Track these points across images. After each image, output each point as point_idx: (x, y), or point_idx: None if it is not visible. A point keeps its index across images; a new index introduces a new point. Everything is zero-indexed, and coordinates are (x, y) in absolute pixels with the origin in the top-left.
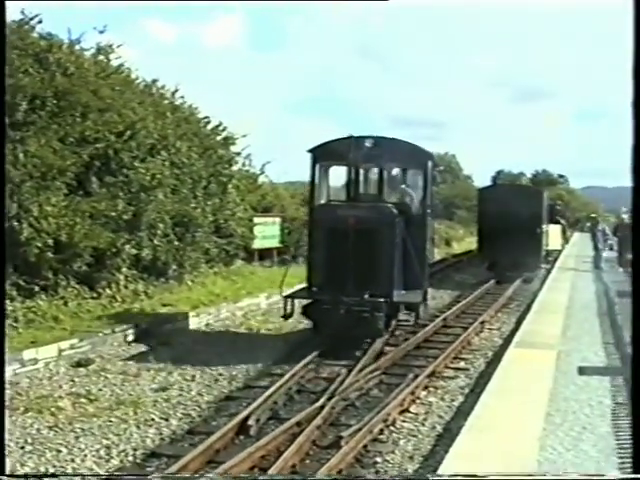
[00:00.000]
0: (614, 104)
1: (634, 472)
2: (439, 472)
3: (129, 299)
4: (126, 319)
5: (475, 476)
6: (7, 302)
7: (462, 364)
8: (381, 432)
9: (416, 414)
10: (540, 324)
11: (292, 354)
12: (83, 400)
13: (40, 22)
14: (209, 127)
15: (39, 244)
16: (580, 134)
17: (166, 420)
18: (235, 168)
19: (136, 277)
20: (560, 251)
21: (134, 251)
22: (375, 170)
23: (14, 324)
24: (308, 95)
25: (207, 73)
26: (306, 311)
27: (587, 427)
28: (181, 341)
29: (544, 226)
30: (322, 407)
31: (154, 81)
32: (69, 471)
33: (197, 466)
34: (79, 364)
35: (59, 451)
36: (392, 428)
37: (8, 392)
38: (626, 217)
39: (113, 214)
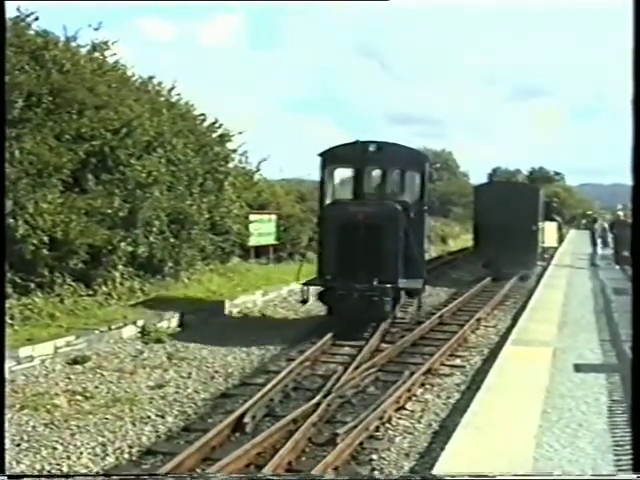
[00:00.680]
0: (611, 102)
1: (634, 471)
2: (435, 470)
3: (125, 296)
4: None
5: (474, 475)
6: None
7: (458, 361)
8: (377, 429)
9: (412, 411)
10: (536, 321)
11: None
12: (79, 397)
13: (36, 19)
14: (205, 124)
15: (35, 241)
16: (577, 132)
17: (162, 417)
18: (231, 165)
19: (132, 274)
20: (556, 248)
21: (130, 248)
22: (378, 171)
23: (10, 321)
24: (305, 93)
25: (204, 71)
26: (322, 297)
27: (583, 424)
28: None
29: (540, 223)
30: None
31: (150, 78)
32: (64, 469)
33: None
34: (75, 361)
35: (55, 448)
36: (388, 425)
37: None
38: (622, 214)
39: (109, 211)
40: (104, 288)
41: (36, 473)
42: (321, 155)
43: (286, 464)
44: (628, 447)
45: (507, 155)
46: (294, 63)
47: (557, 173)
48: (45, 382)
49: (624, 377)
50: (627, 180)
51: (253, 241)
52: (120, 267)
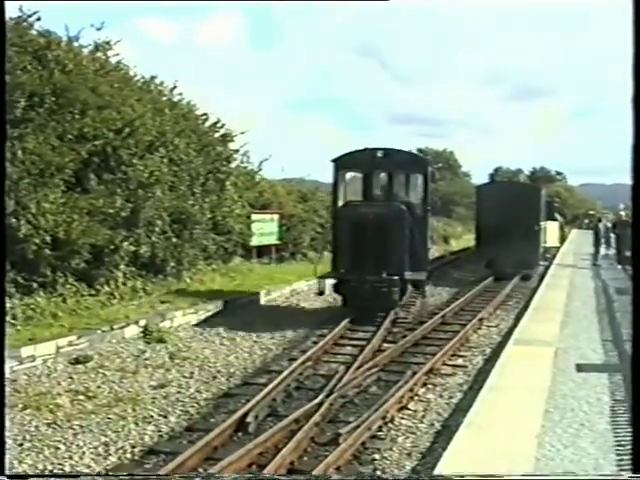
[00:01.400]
0: (612, 102)
1: (634, 472)
2: (438, 470)
3: (127, 296)
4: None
5: (476, 476)
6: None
7: (460, 361)
8: (380, 429)
9: (414, 411)
10: (538, 321)
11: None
12: (81, 397)
13: (38, 19)
14: (207, 124)
15: (37, 241)
16: (578, 131)
17: (164, 417)
18: (233, 165)
19: (134, 274)
20: (558, 248)
21: (132, 248)
22: (385, 175)
23: (12, 321)
24: (306, 93)
25: (205, 71)
26: (337, 289)
27: (585, 424)
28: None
29: (542, 223)
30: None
31: (152, 78)
32: (67, 468)
33: None
34: (77, 361)
35: (57, 448)
36: (390, 425)
37: (6, 389)
38: (624, 214)
39: (111, 211)
40: (106, 288)
41: (38, 473)
42: (334, 161)
43: None
44: (630, 447)
45: (509, 155)
46: (295, 63)
47: (559, 173)
48: (47, 382)
49: (626, 377)
50: (629, 180)
51: (255, 241)
52: (122, 267)
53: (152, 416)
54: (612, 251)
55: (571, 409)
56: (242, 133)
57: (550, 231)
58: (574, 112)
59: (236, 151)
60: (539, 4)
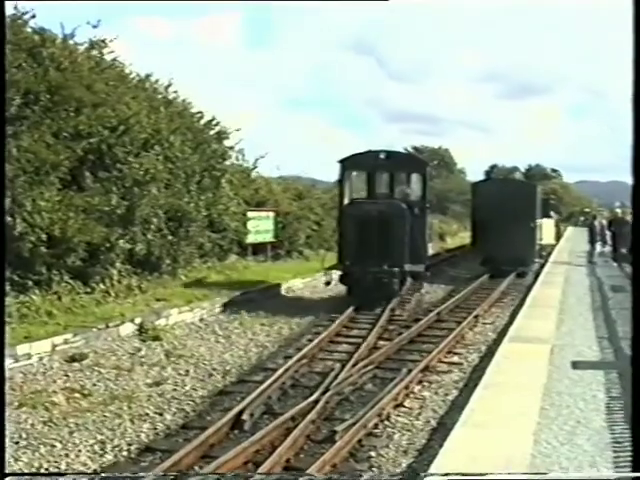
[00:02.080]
0: (608, 100)
1: (633, 470)
2: (434, 466)
3: (123, 294)
4: None
5: (470, 474)
6: None
7: (456, 358)
8: (375, 426)
9: (410, 408)
10: (534, 318)
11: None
12: (77, 395)
13: (33, 17)
14: (202, 122)
15: (32, 239)
16: (574, 129)
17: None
18: (228, 163)
19: (130, 272)
20: (554, 245)
21: (128, 246)
22: (387, 175)
23: (8, 319)
24: (302, 90)
25: (201, 68)
26: (343, 279)
27: (581, 421)
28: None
29: (538, 220)
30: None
31: (148, 76)
32: (63, 466)
33: None
34: (73, 359)
35: (53, 446)
36: (386, 422)
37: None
38: (620, 211)
39: (106, 209)
40: (102, 286)
41: (34, 471)
42: (340, 162)
43: None
44: (626, 444)
45: (504, 152)
46: (291, 61)
47: (554, 170)
48: (43, 380)
49: (622, 374)
50: (624, 178)
51: (251, 238)
52: (118, 265)
53: (148, 414)
54: (608, 249)
55: (567, 406)
56: (237, 130)
57: (546, 228)
58: (570, 110)
59: (231, 148)
60: (536, 2)
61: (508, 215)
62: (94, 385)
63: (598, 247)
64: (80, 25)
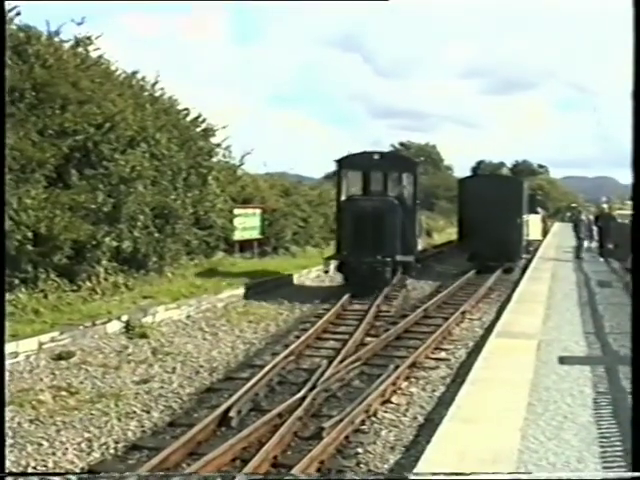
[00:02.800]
0: (595, 95)
1: (633, 470)
2: (421, 462)
3: (109, 291)
4: None
5: (458, 474)
6: None
7: (443, 354)
8: (363, 423)
9: (398, 404)
10: (521, 314)
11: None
12: (64, 393)
13: (18, 14)
14: (189, 119)
15: (18, 237)
16: (561, 125)
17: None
18: (215, 159)
19: (116, 269)
20: (540, 241)
21: (114, 243)
22: (381, 174)
23: None
24: (289, 87)
25: (187, 66)
26: (340, 268)
27: (568, 416)
28: None
29: (524, 216)
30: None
31: (134, 73)
32: (50, 464)
33: None
34: (60, 357)
35: (40, 444)
36: (374, 419)
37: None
38: (606, 207)
39: (93, 206)
40: (88, 283)
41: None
42: (337, 161)
43: None
44: (613, 439)
45: (491, 148)
46: (277, 57)
47: (541, 166)
48: (30, 378)
49: (609, 369)
50: (611, 173)
51: (237, 235)
52: (104, 262)
53: (135, 411)
54: (594, 244)
55: (554, 402)
56: (224, 127)
57: (532, 224)
58: (557, 105)
59: (218, 145)
60: None
61: (495, 211)
62: (81, 383)
63: (585, 243)
64: (65, 22)
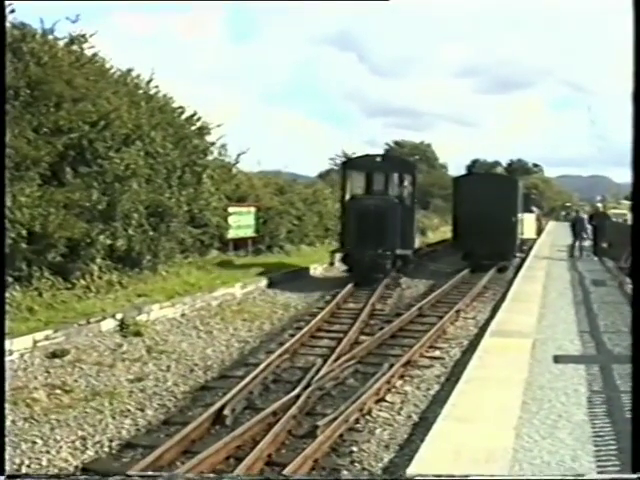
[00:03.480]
0: (590, 94)
1: (633, 471)
2: (415, 462)
3: (103, 289)
4: None
5: (453, 476)
6: None
7: (437, 353)
8: (357, 421)
9: (392, 403)
10: (515, 313)
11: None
12: (58, 391)
13: (12, 12)
14: (184, 117)
15: (13, 235)
16: (556, 124)
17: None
18: (210, 158)
19: (110, 267)
20: (535, 240)
21: (108, 241)
22: (382, 175)
23: None
24: (285, 86)
25: (183, 64)
26: (345, 260)
27: (563, 415)
28: None
29: (519, 215)
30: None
31: (129, 71)
32: (44, 463)
33: None
34: (54, 355)
35: (34, 443)
36: (368, 417)
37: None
38: (600, 206)
39: (87, 204)
40: (82, 281)
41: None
42: (342, 163)
43: None
44: (608, 437)
45: (486, 147)
46: (273, 56)
47: (536, 165)
48: (24, 376)
49: (603, 368)
50: (605, 172)
51: (232, 234)
52: (98, 260)
53: (129, 410)
54: (589, 243)
55: (549, 400)
56: (219, 126)
57: (527, 223)
58: (552, 104)
59: (213, 144)
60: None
61: (489, 210)
62: (75, 381)
63: (577, 242)
64: (60, 20)
